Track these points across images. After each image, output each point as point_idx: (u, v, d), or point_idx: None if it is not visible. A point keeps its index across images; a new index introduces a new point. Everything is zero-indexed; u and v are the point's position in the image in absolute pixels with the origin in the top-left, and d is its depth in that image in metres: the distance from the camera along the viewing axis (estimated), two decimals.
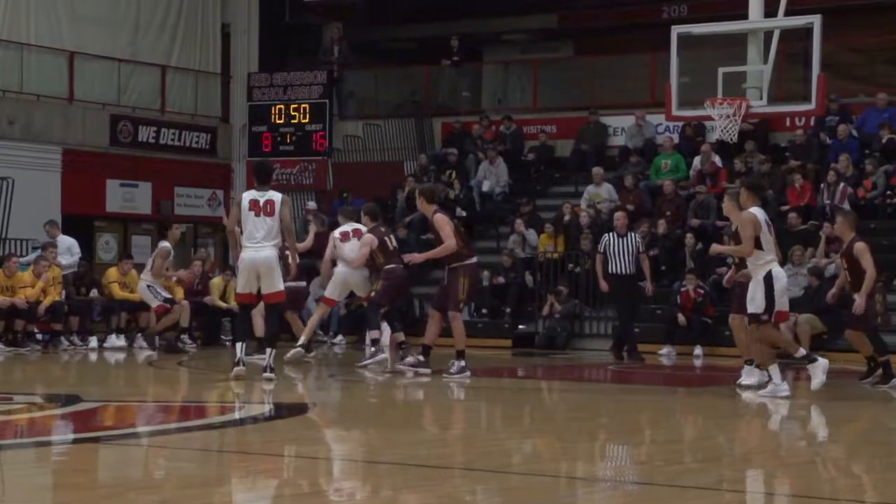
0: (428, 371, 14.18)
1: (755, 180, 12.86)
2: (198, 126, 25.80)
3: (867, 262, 14.07)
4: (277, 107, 26.26)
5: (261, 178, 13.09)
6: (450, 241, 13.86)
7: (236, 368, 12.99)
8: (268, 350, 13.07)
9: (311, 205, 24.56)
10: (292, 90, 26.32)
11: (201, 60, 26.08)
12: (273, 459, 8.27)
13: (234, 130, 26.51)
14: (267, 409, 11.35)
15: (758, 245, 12.15)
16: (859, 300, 13.90)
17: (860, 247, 14.12)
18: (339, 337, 21.33)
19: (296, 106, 26.19)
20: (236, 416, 10.91)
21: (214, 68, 26.38)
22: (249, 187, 27.19)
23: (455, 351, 14.14)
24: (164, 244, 18.95)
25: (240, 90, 26.60)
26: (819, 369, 12.40)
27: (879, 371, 14.30)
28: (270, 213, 12.82)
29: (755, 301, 12.14)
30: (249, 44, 26.62)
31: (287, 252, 13.62)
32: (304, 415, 11.12)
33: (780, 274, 12.30)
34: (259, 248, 12.83)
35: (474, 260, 14.34)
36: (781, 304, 12.31)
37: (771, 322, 12.27)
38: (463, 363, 14.02)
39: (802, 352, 12.53)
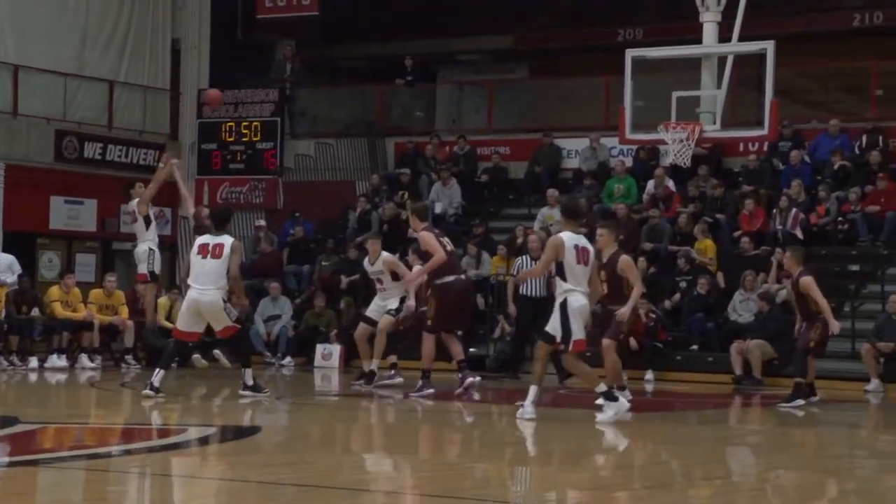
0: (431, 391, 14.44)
1: (571, 205, 12.44)
2: (146, 143, 25.45)
3: (816, 294, 14.43)
4: (228, 124, 25.98)
5: (217, 224, 13.51)
6: (439, 254, 14.13)
7: (146, 392, 13.26)
8: (245, 370, 13.65)
9: (261, 222, 24.32)
10: (243, 108, 26.05)
11: (150, 76, 25.74)
12: (216, 484, 8.06)
13: (183, 148, 26.20)
14: (212, 431, 11.12)
15: (561, 272, 11.74)
16: (832, 323, 14.41)
17: (805, 282, 14.59)
18: (288, 358, 21.08)
19: (247, 124, 25.92)
20: (180, 438, 10.67)
21: (164, 84, 26.05)
22: (198, 205, 27.01)
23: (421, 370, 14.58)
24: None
25: (189, 107, 26.29)
26: (612, 409, 11.91)
27: (806, 395, 14.75)
28: (217, 256, 13.20)
29: (553, 327, 11.91)
30: (200, 60, 26.30)
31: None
32: (251, 437, 10.90)
33: (575, 304, 11.75)
34: (203, 292, 13.25)
35: (451, 279, 14.38)
36: (577, 333, 11.81)
37: (568, 351, 11.89)
38: (420, 383, 14.43)
39: (603, 387, 12.04)
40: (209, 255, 13.22)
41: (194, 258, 13.39)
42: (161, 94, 26.04)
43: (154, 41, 25.75)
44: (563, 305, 11.76)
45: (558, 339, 11.80)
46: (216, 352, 16.36)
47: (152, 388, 13.31)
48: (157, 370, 13.54)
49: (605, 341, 13.49)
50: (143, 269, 16.36)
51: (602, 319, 13.59)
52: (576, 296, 11.76)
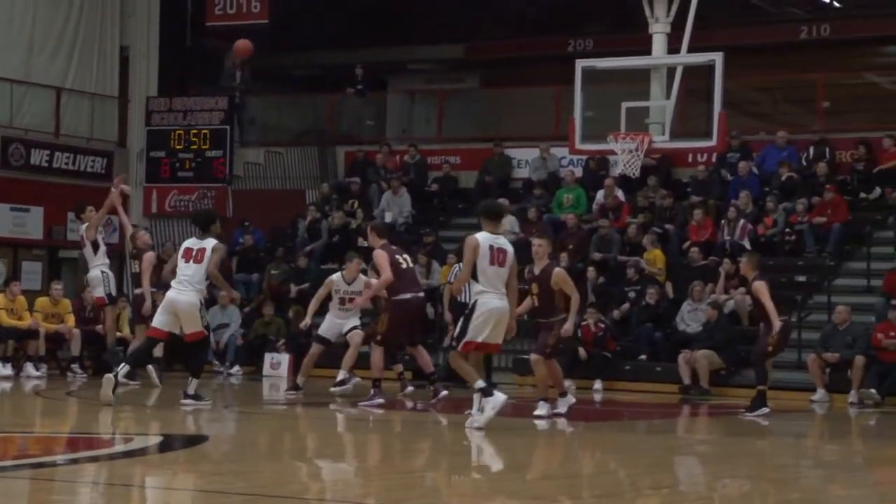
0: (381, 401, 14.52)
1: (490, 205, 12.36)
2: (93, 150, 25.23)
3: (765, 298, 14.68)
4: (177, 132, 25.83)
5: (201, 227, 13.76)
6: (385, 275, 14.14)
7: (102, 391, 13.30)
8: (192, 379, 13.69)
9: None
10: (192, 115, 25.91)
11: (98, 83, 25.52)
12: (163, 493, 7.98)
13: (132, 155, 26.01)
14: (159, 440, 11.03)
15: (474, 273, 11.69)
16: (775, 324, 14.66)
17: (756, 286, 14.89)
18: (236, 367, 20.96)
19: (196, 132, 25.79)
20: (127, 447, 10.57)
21: (112, 91, 25.84)
22: (146, 213, 26.78)
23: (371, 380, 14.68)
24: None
25: (138, 114, 26.10)
26: (490, 405, 11.74)
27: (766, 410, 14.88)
28: (199, 261, 13.46)
29: (458, 326, 11.99)
30: (149, 67, 26.12)
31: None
32: (198, 446, 10.82)
33: (485, 307, 11.69)
34: (181, 292, 13.48)
35: (407, 296, 14.40)
36: (474, 334, 11.76)
37: (456, 349, 11.93)
38: (371, 392, 14.56)
39: (481, 384, 11.88)
40: (192, 260, 13.50)
41: (179, 262, 13.64)
42: (109, 102, 25.83)
43: (102, 48, 25.54)
44: (472, 307, 11.76)
45: (454, 339, 11.91)
46: (149, 367, 16.49)
47: (116, 377, 13.39)
48: (123, 365, 13.79)
49: (533, 356, 13.51)
50: (100, 292, 16.93)
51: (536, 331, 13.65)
52: (487, 297, 11.71)
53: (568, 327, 13.33)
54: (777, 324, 14.72)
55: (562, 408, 13.58)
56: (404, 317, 14.52)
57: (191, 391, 13.70)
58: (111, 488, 8.27)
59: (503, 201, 12.24)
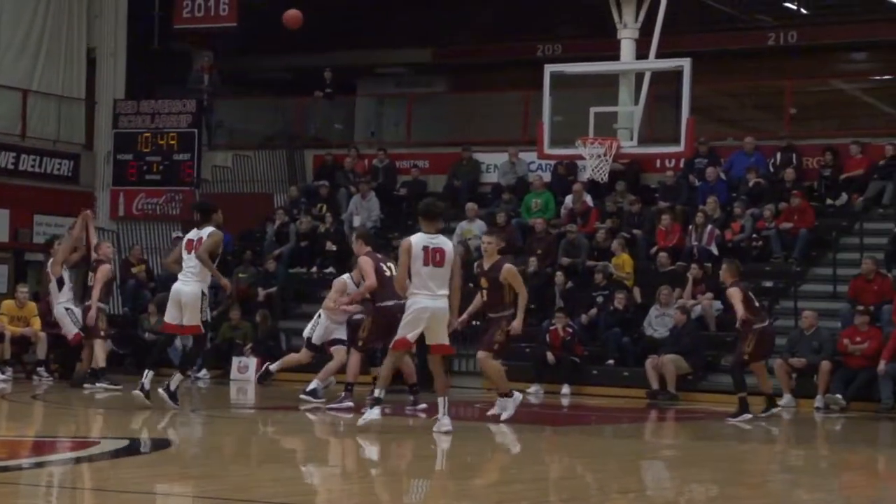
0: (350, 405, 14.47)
1: (428, 205, 12.22)
2: (60, 153, 25.09)
3: (736, 304, 14.90)
4: (144, 135, 25.71)
5: (201, 217, 13.88)
6: (369, 281, 14.11)
7: (135, 392, 13.57)
8: (176, 374, 13.81)
9: (178, 234, 24.05)
10: (160, 118, 25.80)
11: (65, 85, 25.36)
12: (128, 497, 7.94)
13: (98, 158, 25.88)
14: (125, 443, 10.97)
15: (409, 274, 11.71)
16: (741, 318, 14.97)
17: (729, 292, 15.23)
18: (203, 371, 20.86)
19: (163, 135, 25.68)
20: (93, 451, 10.50)
21: (79, 94, 25.69)
22: (113, 216, 26.64)
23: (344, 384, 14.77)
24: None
25: (105, 117, 25.96)
26: (373, 413, 11.86)
27: (776, 408, 15.56)
28: (196, 249, 13.57)
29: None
30: (116, 69, 25.98)
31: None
32: (164, 450, 10.77)
33: (413, 307, 11.73)
34: (185, 282, 13.59)
35: (390, 303, 14.23)
36: (404, 332, 11.82)
37: (390, 348, 12.03)
38: (342, 395, 14.63)
39: (376, 393, 11.91)
40: (193, 251, 13.58)
41: (182, 253, 13.73)
42: (76, 104, 25.69)
43: (69, 49, 25.39)
44: (407, 308, 11.82)
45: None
46: (106, 377, 16.55)
47: (168, 392, 13.60)
48: (147, 371, 13.81)
49: (480, 353, 13.55)
50: (71, 329, 17.45)
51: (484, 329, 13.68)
52: (416, 298, 11.73)
53: (517, 325, 13.38)
54: (745, 328, 14.96)
55: (500, 409, 13.56)
56: (386, 323, 14.47)
57: (172, 386, 13.68)
58: (76, 492, 8.22)
59: (437, 204, 12.13)
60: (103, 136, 25.96)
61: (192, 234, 13.82)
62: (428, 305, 11.71)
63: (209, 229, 13.63)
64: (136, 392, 13.65)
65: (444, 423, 11.82)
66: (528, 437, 13.24)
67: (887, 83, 27.41)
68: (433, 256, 11.70)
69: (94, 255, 17.14)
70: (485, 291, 13.48)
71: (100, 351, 16.93)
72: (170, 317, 13.88)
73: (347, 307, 15.31)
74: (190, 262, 13.61)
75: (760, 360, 15.75)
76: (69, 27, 25.43)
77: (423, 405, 14.73)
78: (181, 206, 25.41)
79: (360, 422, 11.98)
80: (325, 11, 28.13)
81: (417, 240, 11.77)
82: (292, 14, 17.37)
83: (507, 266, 13.49)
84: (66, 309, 17.50)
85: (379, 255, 14.71)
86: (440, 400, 11.91)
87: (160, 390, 13.68)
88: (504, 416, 13.50)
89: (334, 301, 15.35)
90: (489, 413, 13.69)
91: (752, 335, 15.26)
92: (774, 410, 15.71)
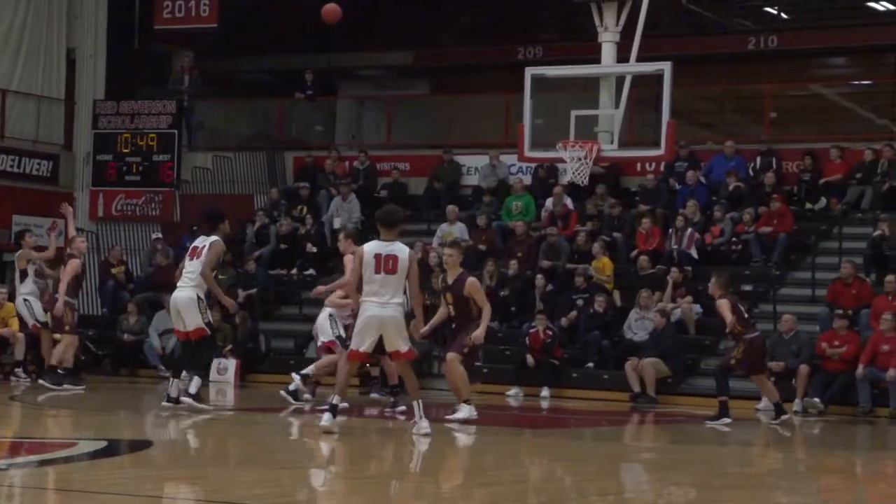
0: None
1: (382, 213, 12.15)
2: (39, 153, 24.99)
3: (725, 314, 15.17)
4: (124, 136, 25.62)
5: (208, 225, 13.96)
6: (347, 277, 14.00)
7: (164, 403, 13.71)
8: (194, 378, 13.86)
9: (157, 235, 23.99)
10: (140, 119, 25.72)
11: (44, 85, 25.26)
12: (107, 498, 7.90)
13: (78, 159, 25.79)
14: (103, 445, 10.92)
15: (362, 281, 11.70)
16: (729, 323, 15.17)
17: (719, 303, 15.38)
18: (183, 373, 20.75)
19: (143, 135, 25.61)
20: (71, 452, 10.46)
21: (58, 94, 25.59)
22: (93, 217, 26.54)
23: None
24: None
25: (84, 117, 25.86)
26: (325, 419, 11.79)
27: (786, 415, 15.74)
28: (200, 256, 13.62)
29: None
30: (96, 70, 25.88)
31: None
32: (143, 451, 10.73)
33: (362, 315, 11.65)
34: (181, 289, 13.63)
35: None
36: (356, 344, 11.77)
37: (345, 358, 12.03)
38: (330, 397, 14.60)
39: (334, 399, 11.83)
40: (195, 257, 13.65)
41: (185, 260, 13.83)
42: (55, 104, 25.59)
43: (49, 49, 25.29)
44: (357, 317, 11.82)
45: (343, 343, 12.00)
46: (66, 384, 16.55)
47: (190, 395, 13.73)
48: (172, 380, 13.92)
49: (450, 355, 13.52)
50: (30, 321, 17.82)
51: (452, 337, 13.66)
52: (365, 306, 11.67)
53: (479, 333, 13.36)
54: (735, 337, 15.14)
55: (462, 414, 13.51)
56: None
57: (193, 390, 13.73)
58: (54, 493, 8.18)
59: (396, 211, 12.07)
60: (83, 136, 25.87)
61: (199, 241, 13.86)
62: (376, 314, 11.59)
63: (212, 238, 13.67)
64: (165, 403, 13.75)
65: (423, 425, 11.79)
66: (508, 439, 13.24)
67: (866, 88, 27.59)
68: (385, 263, 11.59)
69: (67, 250, 17.10)
70: (451, 307, 13.44)
71: (68, 350, 16.83)
72: (176, 324, 13.93)
73: (344, 300, 15.20)
74: (190, 267, 13.64)
75: (756, 373, 15.82)
76: (49, 27, 25.33)
77: (403, 407, 14.70)
78: (161, 206, 25.35)
79: (320, 423, 11.86)
80: (306, 13, 28.16)
81: (370, 247, 11.72)
82: (331, 8, 16.87)
83: (471, 280, 13.53)
84: (25, 300, 17.85)
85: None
86: (414, 404, 11.89)
87: (183, 399, 13.73)
88: (456, 417, 13.40)
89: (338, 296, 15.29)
90: (447, 416, 13.58)
91: (742, 344, 15.38)
92: (784, 417, 15.75)
